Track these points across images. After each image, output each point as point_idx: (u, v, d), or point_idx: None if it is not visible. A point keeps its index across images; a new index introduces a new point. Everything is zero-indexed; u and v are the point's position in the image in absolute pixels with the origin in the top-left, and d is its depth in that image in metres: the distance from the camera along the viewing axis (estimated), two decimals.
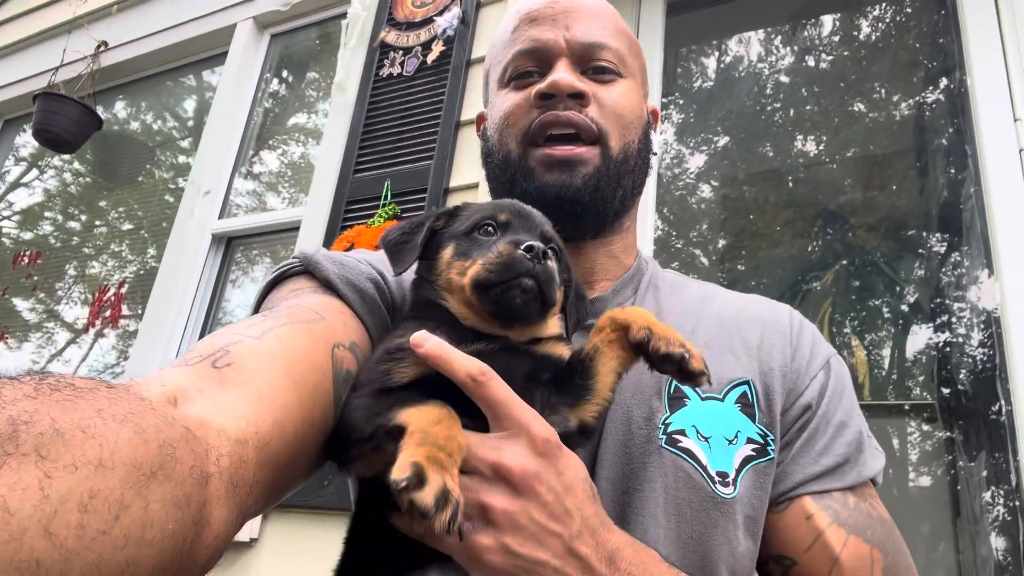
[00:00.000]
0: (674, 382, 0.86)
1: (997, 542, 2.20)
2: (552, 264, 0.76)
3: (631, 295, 1.00)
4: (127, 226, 4.20)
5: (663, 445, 0.83)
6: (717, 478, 0.83)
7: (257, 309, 0.91)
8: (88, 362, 3.99)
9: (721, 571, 0.82)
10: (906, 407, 2.87)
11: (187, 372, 0.62)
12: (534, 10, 1.03)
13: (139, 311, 3.72)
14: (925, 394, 2.82)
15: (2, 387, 0.42)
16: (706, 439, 0.84)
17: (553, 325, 0.83)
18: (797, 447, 0.89)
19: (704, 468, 0.82)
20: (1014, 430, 1.97)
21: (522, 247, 0.75)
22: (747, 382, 0.89)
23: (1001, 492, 2.23)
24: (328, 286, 0.86)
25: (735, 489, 0.83)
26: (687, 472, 0.82)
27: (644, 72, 1.09)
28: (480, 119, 1.15)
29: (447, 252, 0.81)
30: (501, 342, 0.77)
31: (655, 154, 1.08)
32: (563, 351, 0.81)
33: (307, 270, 0.89)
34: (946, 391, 2.59)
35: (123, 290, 3.72)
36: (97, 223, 4.35)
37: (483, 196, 2.41)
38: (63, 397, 0.44)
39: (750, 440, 0.86)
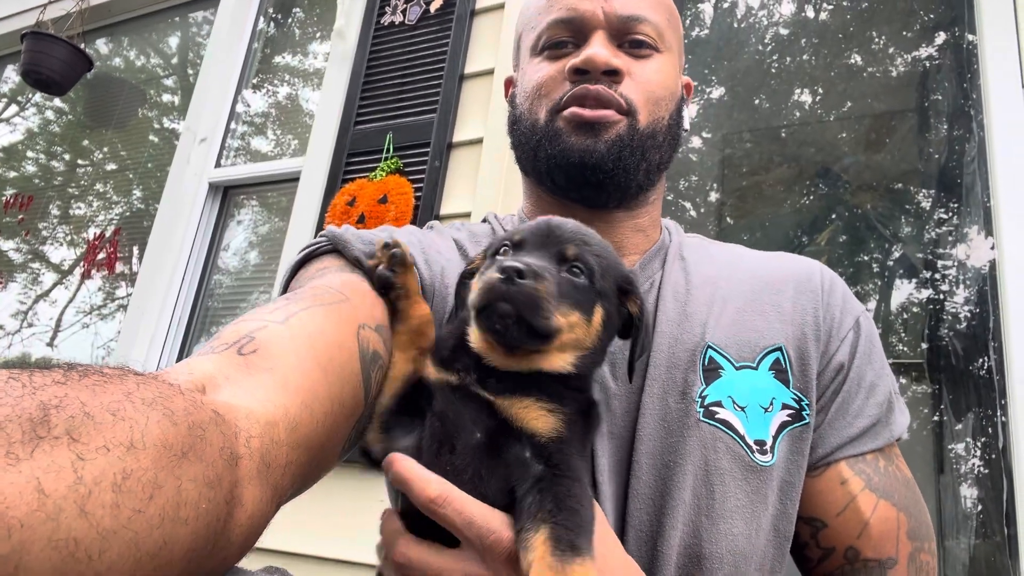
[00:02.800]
0: (709, 354, 0.87)
1: (981, 498, 2.27)
2: (535, 286, 0.68)
3: (659, 268, 1.00)
4: (114, 168, 4.13)
5: (701, 418, 0.84)
6: (755, 447, 0.85)
7: (286, 288, 0.90)
8: (76, 303, 3.97)
9: (761, 538, 0.85)
10: (897, 365, 2.92)
11: (214, 359, 0.62)
12: None
13: (131, 257, 3.70)
14: (918, 348, 2.87)
15: (31, 374, 0.43)
16: (742, 408, 0.86)
17: (559, 359, 0.73)
18: (833, 411, 0.91)
19: (742, 438, 0.84)
20: (1004, 390, 2.02)
21: (497, 268, 0.69)
22: (779, 348, 0.90)
23: (988, 451, 2.29)
24: (357, 265, 0.86)
25: (773, 456, 0.85)
26: (726, 443, 0.84)
27: (681, 44, 1.07)
28: (508, 83, 1.13)
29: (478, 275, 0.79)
30: (478, 379, 0.73)
31: (686, 130, 1.07)
32: (545, 421, 0.71)
33: (335, 249, 0.89)
34: (935, 350, 2.63)
35: (117, 237, 3.68)
36: (81, 162, 4.28)
37: (487, 152, 2.38)
38: (92, 383, 0.44)
39: (785, 406, 0.87)
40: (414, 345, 0.79)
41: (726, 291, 0.94)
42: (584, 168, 0.93)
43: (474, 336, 0.75)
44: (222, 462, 0.50)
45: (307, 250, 0.91)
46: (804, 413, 0.88)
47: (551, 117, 0.97)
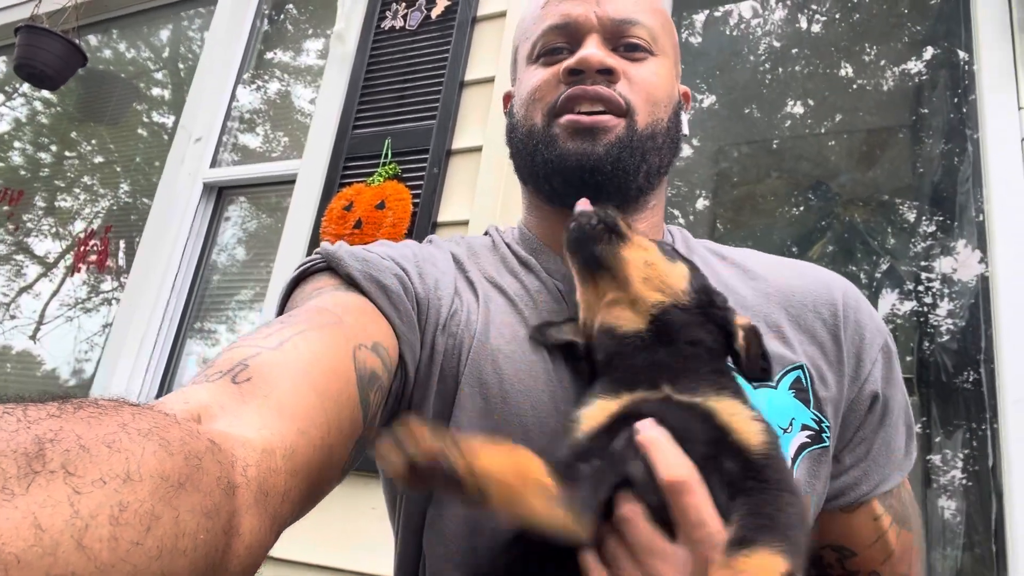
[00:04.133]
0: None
1: (968, 513, 2.29)
2: None
3: None
4: (102, 161, 4.10)
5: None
6: None
7: (282, 308, 0.90)
8: (60, 297, 3.94)
9: None
10: None
11: (208, 388, 0.62)
12: None
13: (121, 254, 3.67)
14: (907, 361, 2.89)
15: (26, 408, 0.42)
16: None
17: None
18: (876, 448, 0.91)
19: None
20: (995, 407, 2.04)
21: None
22: (801, 367, 0.88)
23: (976, 467, 2.31)
24: (351, 283, 0.85)
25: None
26: None
27: (677, 51, 1.06)
28: (507, 97, 1.12)
29: None
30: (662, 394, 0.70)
31: (686, 135, 1.05)
32: (755, 432, 0.66)
33: (329, 266, 0.88)
34: (924, 364, 2.66)
35: (109, 234, 3.66)
36: (69, 154, 4.25)
37: (487, 160, 2.38)
38: (87, 415, 0.44)
39: (804, 427, 0.86)
40: None
41: (740, 301, 0.92)
42: (582, 171, 0.92)
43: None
44: (219, 491, 0.50)
45: (302, 268, 0.91)
46: (824, 436, 0.86)
47: (548, 122, 0.95)
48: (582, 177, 0.92)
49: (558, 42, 0.98)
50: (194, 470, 0.47)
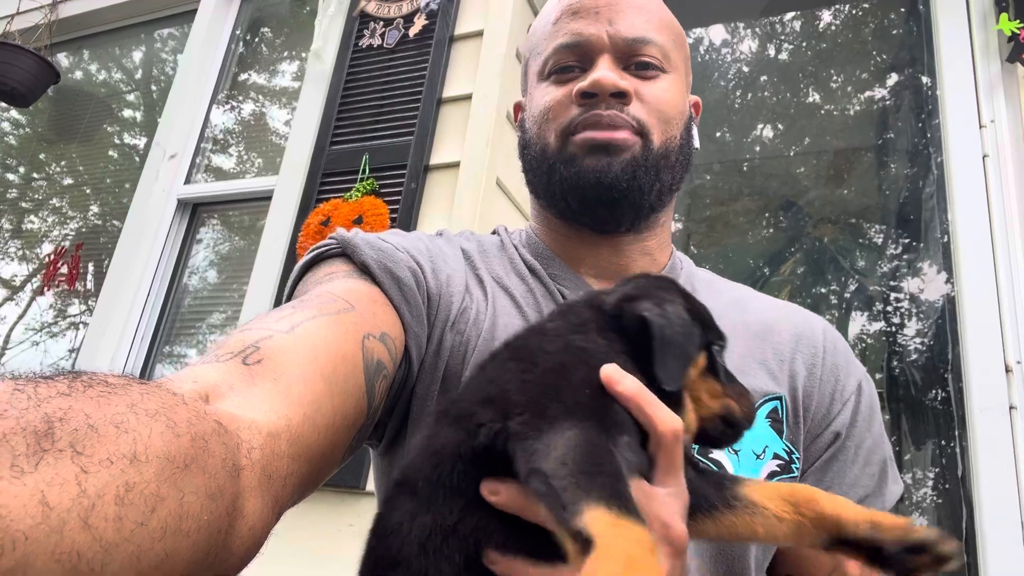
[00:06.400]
0: None
1: (939, 526, 2.32)
2: None
3: None
4: (71, 182, 4.04)
5: (695, 455, 0.84)
6: None
7: (293, 289, 0.90)
8: (26, 320, 3.87)
9: None
10: None
11: (218, 368, 0.62)
12: (576, 2, 1.00)
13: (91, 274, 3.62)
14: (877, 378, 2.93)
15: (36, 385, 0.43)
16: (735, 452, 0.86)
17: None
18: (828, 480, 0.90)
19: None
20: (964, 420, 2.09)
21: None
22: (779, 398, 0.90)
23: (946, 480, 2.35)
24: (365, 271, 0.86)
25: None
26: None
27: (688, 64, 1.07)
28: (517, 108, 1.12)
29: None
30: None
31: (697, 148, 1.06)
32: None
33: (344, 252, 0.88)
34: (894, 380, 2.71)
35: (79, 252, 3.60)
36: (37, 176, 4.19)
37: (464, 176, 2.40)
38: (96, 394, 0.45)
39: (776, 456, 0.87)
40: None
41: (731, 331, 0.92)
42: (600, 188, 0.92)
43: None
44: (224, 474, 0.50)
45: (315, 252, 0.91)
46: (793, 466, 0.88)
47: (563, 142, 0.96)
48: (599, 194, 0.93)
49: (570, 61, 0.99)
50: (200, 452, 0.48)
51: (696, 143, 1.08)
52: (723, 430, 0.71)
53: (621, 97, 0.94)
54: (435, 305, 0.89)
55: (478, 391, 0.64)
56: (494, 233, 1.10)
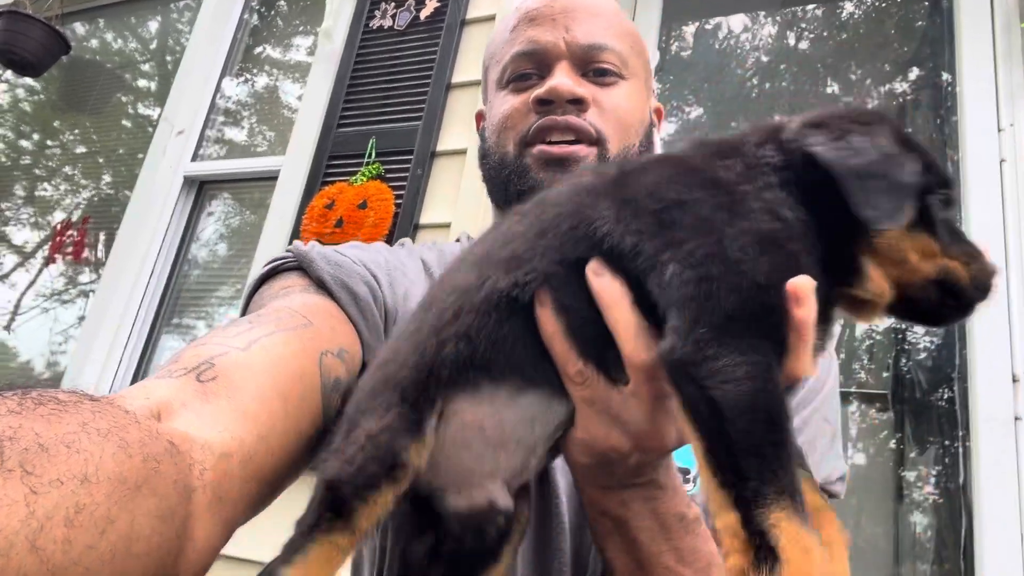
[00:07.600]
0: None
1: (938, 529, 2.31)
2: None
3: None
4: (84, 151, 4.04)
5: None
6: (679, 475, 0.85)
7: (248, 302, 0.89)
8: (37, 287, 3.89)
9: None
10: (857, 393, 2.97)
11: (172, 385, 0.61)
12: (533, 9, 1.00)
13: (97, 243, 3.63)
14: (882, 378, 2.91)
15: None
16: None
17: None
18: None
19: None
20: (968, 425, 2.06)
21: None
22: None
23: (947, 483, 2.33)
24: (321, 286, 0.85)
25: (694, 486, 0.85)
26: None
27: (648, 70, 1.07)
28: (479, 117, 1.12)
29: None
30: None
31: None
32: None
33: (300, 266, 0.87)
34: (899, 380, 2.68)
35: (87, 225, 3.61)
36: (51, 143, 4.19)
37: (471, 163, 2.37)
38: (47, 411, 0.44)
39: None
40: None
41: None
42: None
43: None
44: (176, 495, 0.50)
45: (271, 265, 0.90)
46: None
47: (519, 151, 0.96)
48: None
49: (527, 68, 0.98)
50: (152, 473, 0.47)
51: (658, 149, 1.06)
52: (941, 300, 0.59)
53: (578, 104, 0.94)
54: (392, 319, 0.88)
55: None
56: (457, 240, 1.09)
